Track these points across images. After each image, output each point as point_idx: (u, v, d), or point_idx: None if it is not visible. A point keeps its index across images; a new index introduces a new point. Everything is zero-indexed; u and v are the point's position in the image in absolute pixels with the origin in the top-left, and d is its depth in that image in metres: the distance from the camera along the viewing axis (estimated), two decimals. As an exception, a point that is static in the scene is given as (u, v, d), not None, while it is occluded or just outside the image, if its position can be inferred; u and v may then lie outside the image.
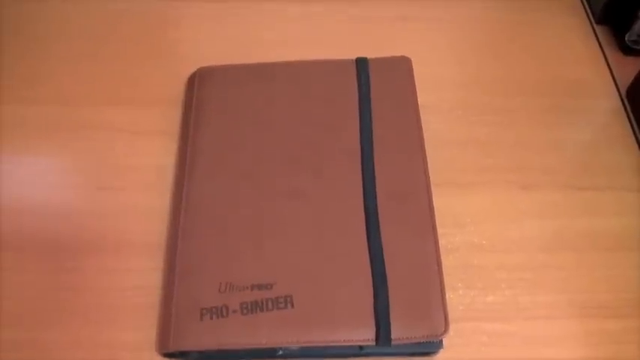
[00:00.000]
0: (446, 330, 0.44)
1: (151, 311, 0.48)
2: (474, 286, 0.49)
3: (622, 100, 0.60)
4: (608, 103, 0.60)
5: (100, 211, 0.53)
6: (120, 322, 0.48)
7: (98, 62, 0.62)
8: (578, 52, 0.64)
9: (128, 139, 0.57)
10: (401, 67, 0.57)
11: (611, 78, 0.62)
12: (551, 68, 0.62)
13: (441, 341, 0.45)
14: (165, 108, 0.58)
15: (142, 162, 0.55)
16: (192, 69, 0.59)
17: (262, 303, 0.44)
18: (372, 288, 0.45)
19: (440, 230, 0.49)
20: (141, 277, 0.49)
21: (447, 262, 0.49)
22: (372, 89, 0.55)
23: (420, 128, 0.53)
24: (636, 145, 0.57)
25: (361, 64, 0.57)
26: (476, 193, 0.54)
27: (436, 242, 0.47)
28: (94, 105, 0.59)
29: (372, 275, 0.46)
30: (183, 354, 0.44)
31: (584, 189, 0.54)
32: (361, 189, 0.49)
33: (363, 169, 0.50)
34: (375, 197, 0.49)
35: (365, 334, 0.44)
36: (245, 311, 0.44)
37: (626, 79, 0.61)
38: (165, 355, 0.45)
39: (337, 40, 0.64)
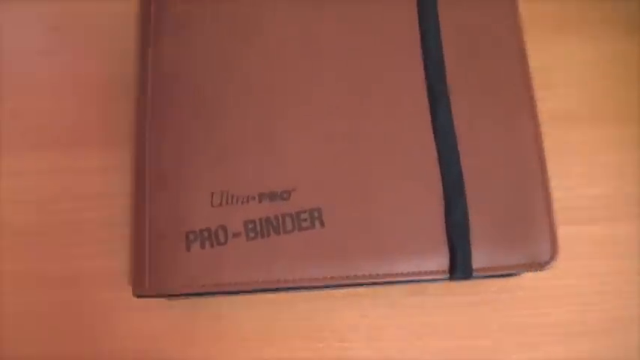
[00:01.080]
0: (553, 257, 0.29)
1: (119, 229, 0.33)
2: (570, 173, 0.35)
3: None
4: None
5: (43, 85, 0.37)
6: (77, 246, 0.34)
7: None
8: None
9: None
10: None
11: None
12: None
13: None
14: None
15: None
16: None
17: (277, 221, 0.30)
18: (442, 194, 0.30)
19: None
20: (99, 182, 0.34)
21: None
22: None
23: None
24: None
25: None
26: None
27: (535, 117, 0.31)
28: None
29: (442, 175, 0.30)
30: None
31: None
32: (418, 39, 0.32)
33: (419, 7, 0.33)
34: (441, 52, 0.32)
35: (433, 264, 0.30)
36: (252, 234, 0.30)
37: None
38: (141, 296, 0.30)
39: None
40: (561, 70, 0.37)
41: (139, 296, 0.30)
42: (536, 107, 0.32)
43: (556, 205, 0.32)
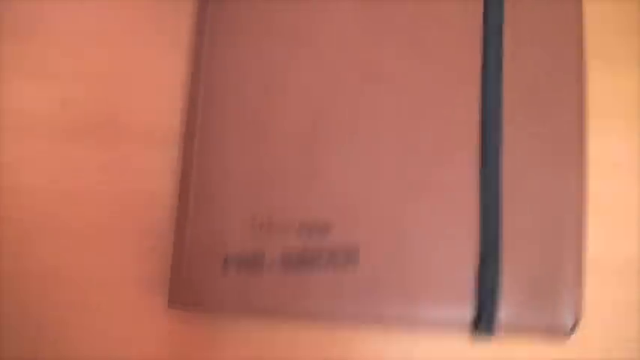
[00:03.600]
0: (575, 325, 0.30)
1: (160, 236, 0.34)
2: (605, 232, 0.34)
3: None
4: None
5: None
6: (112, 247, 0.34)
7: None
8: None
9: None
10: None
11: None
12: None
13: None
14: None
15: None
16: None
17: (313, 256, 0.30)
18: (478, 245, 0.30)
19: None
20: (145, 180, 0.35)
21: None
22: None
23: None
24: None
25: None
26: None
27: (583, 182, 0.31)
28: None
29: (481, 228, 0.30)
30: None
31: None
32: (479, 77, 0.31)
33: (484, 42, 0.31)
34: (500, 94, 0.31)
35: (459, 314, 0.30)
36: (288, 266, 0.30)
37: None
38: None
39: None
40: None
41: (173, 308, 0.32)
42: (585, 171, 0.31)
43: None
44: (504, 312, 0.30)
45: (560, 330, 0.30)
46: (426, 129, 0.31)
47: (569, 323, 0.30)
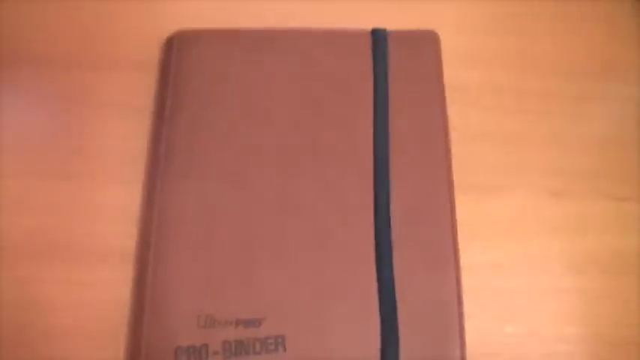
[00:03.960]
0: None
1: (120, 331, 0.41)
2: (490, 312, 0.43)
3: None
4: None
5: (56, 207, 0.44)
6: (81, 346, 0.40)
7: (53, 13, 0.51)
8: (619, 32, 0.53)
9: (88, 111, 0.47)
10: (426, 44, 0.46)
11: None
12: (597, 48, 0.52)
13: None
14: (136, 75, 0.48)
15: (103, 143, 0.46)
16: (171, 30, 0.48)
17: (248, 344, 0.37)
18: (379, 331, 0.38)
19: (456, 245, 0.42)
20: (106, 290, 0.42)
21: (463, 283, 0.42)
22: (390, 71, 0.45)
23: (446, 123, 0.44)
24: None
25: (378, 36, 0.46)
26: (499, 199, 0.46)
27: (458, 273, 0.40)
28: (45, 66, 0.48)
29: (381, 315, 0.39)
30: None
31: (624, 199, 0.47)
32: (372, 203, 0.41)
33: (375, 178, 0.42)
34: (389, 215, 0.41)
35: (368, 389, 0.37)
36: (228, 354, 0.37)
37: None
38: (133, 397, 0.38)
39: (350, 6, 0.52)
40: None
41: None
42: (460, 266, 0.40)
43: (477, 336, 0.41)
44: (405, 383, 0.37)
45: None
46: (332, 245, 0.40)
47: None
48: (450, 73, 0.47)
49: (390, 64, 0.45)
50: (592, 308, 0.43)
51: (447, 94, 0.46)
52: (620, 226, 0.46)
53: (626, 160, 0.48)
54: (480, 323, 0.42)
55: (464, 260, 0.43)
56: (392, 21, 0.48)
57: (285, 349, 0.37)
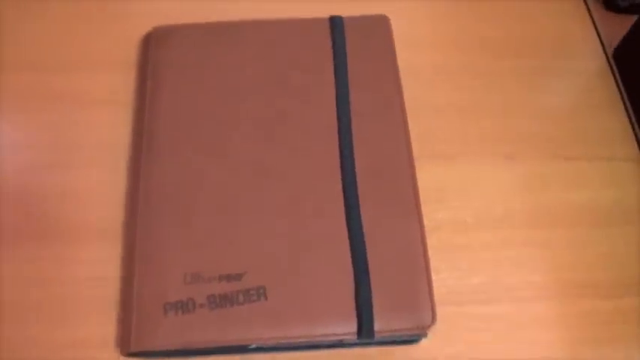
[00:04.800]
0: (433, 321, 0.40)
1: (112, 305, 0.43)
2: (457, 267, 0.46)
3: (609, 61, 0.56)
4: (594, 64, 0.56)
5: (48, 193, 0.47)
6: (77, 317, 0.43)
7: (37, 20, 0.55)
8: (565, 9, 0.59)
9: (75, 109, 0.51)
10: (379, 26, 0.51)
11: (597, 37, 0.58)
12: (536, 27, 0.58)
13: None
14: (116, 74, 0.52)
15: (92, 136, 0.50)
16: (147, 28, 0.53)
17: (232, 295, 0.40)
18: (352, 276, 0.41)
19: (422, 207, 0.45)
20: (98, 268, 0.45)
21: (430, 241, 0.45)
22: (348, 51, 0.50)
23: (401, 95, 0.48)
24: (624, 111, 0.54)
25: (335, 23, 0.51)
26: (459, 165, 0.50)
27: (421, 222, 0.44)
28: (33, 70, 0.53)
29: (353, 262, 0.42)
30: (147, 353, 0.40)
31: (572, 159, 0.51)
32: (339, 165, 0.45)
33: (340, 143, 0.46)
34: (355, 174, 0.45)
35: (346, 328, 0.40)
36: (213, 305, 0.40)
37: (614, 39, 0.57)
38: (128, 354, 0.40)
39: (308, 5, 0.56)
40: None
41: (126, 355, 0.40)
42: (422, 216, 0.44)
43: (446, 290, 0.45)
44: (378, 321, 0.40)
45: (422, 327, 0.40)
46: (305, 203, 0.44)
47: (428, 322, 0.40)
48: (404, 57, 0.52)
49: (347, 44, 0.50)
50: (554, 257, 0.47)
51: (402, 75, 0.50)
52: (571, 182, 0.50)
53: (571, 126, 0.53)
54: (448, 276, 0.46)
55: (430, 221, 0.47)
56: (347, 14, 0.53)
57: (266, 298, 0.40)
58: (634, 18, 0.54)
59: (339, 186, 0.44)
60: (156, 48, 0.50)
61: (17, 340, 0.42)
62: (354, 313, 0.40)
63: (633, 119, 0.53)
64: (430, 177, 0.49)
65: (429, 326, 0.40)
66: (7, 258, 0.45)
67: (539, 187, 0.50)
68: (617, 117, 0.53)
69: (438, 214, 0.48)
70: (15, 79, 0.52)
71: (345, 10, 0.53)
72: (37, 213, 0.47)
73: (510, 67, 0.55)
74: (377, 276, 0.41)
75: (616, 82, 0.55)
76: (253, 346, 0.40)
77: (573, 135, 0.52)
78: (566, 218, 0.49)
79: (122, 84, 0.52)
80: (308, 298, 0.41)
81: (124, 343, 0.41)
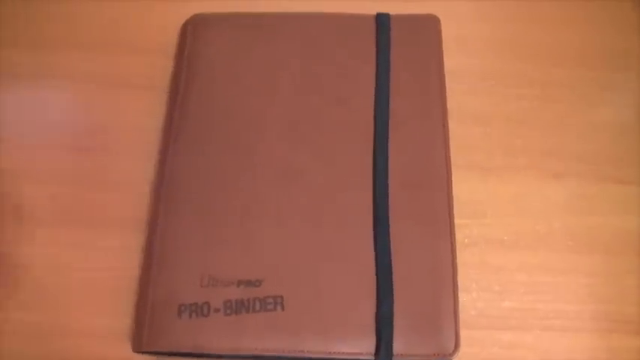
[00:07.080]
0: (456, 349, 0.38)
1: (129, 297, 0.43)
2: (489, 288, 0.44)
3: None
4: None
5: (76, 177, 0.47)
6: (93, 306, 0.43)
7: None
8: (630, 20, 0.54)
9: (110, 92, 0.50)
10: (427, 27, 0.49)
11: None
12: (596, 36, 0.54)
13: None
14: (154, 58, 0.51)
15: (127, 120, 0.49)
16: (188, 14, 0.51)
17: (248, 303, 0.39)
18: (375, 293, 0.39)
19: (456, 221, 0.43)
20: (118, 256, 0.44)
21: (462, 258, 0.43)
22: (392, 52, 0.47)
23: (444, 102, 0.46)
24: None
25: (382, 20, 0.48)
26: (501, 179, 0.47)
27: (453, 242, 0.41)
28: (69, 49, 0.52)
29: (377, 278, 0.40)
30: (158, 352, 0.39)
31: (623, 182, 0.47)
32: (371, 174, 0.43)
33: (375, 150, 0.43)
34: (387, 185, 0.42)
35: (363, 347, 0.38)
36: (229, 311, 0.39)
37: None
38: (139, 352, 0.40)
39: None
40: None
41: (137, 352, 0.39)
42: (454, 235, 0.41)
43: (476, 313, 0.42)
44: (398, 343, 0.38)
45: (444, 354, 0.38)
46: (332, 212, 0.42)
47: (450, 349, 0.38)
48: (451, 59, 0.49)
49: (392, 45, 0.47)
50: (591, 286, 0.44)
51: (447, 78, 0.48)
52: (620, 207, 0.47)
53: (626, 146, 0.49)
54: (478, 297, 0.44)
55: (464, 236, 0.45)
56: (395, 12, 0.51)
57: (283, 309, 0.39)
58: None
59: (370, 196, 0.42)
60: (192, 38, 0.48)
61: (31, 324, 0.42)
62: (373, 332, 0.38)
63: (696, 145, 0.49)
64: (468, 189, 0.46)
65: (452, 354, 0.38)
66: (28, 241, 0.45)
67: (585, 209, 0.46)
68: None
69: (472, 230, 0.45)
70: (60, 58, 0.52)
71: (394, 8, 0.50)
72: (63, 196, 0.46)
73: (566, 77, 0.51)
74: (401, 294, 0.39)
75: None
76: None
77: (627, 156, 0.48)
78: (609, 245, 0.45)
79: (161, 69, 0.50)
80: (326, 313, 0.39)
81: (135, 339, 0.40)
